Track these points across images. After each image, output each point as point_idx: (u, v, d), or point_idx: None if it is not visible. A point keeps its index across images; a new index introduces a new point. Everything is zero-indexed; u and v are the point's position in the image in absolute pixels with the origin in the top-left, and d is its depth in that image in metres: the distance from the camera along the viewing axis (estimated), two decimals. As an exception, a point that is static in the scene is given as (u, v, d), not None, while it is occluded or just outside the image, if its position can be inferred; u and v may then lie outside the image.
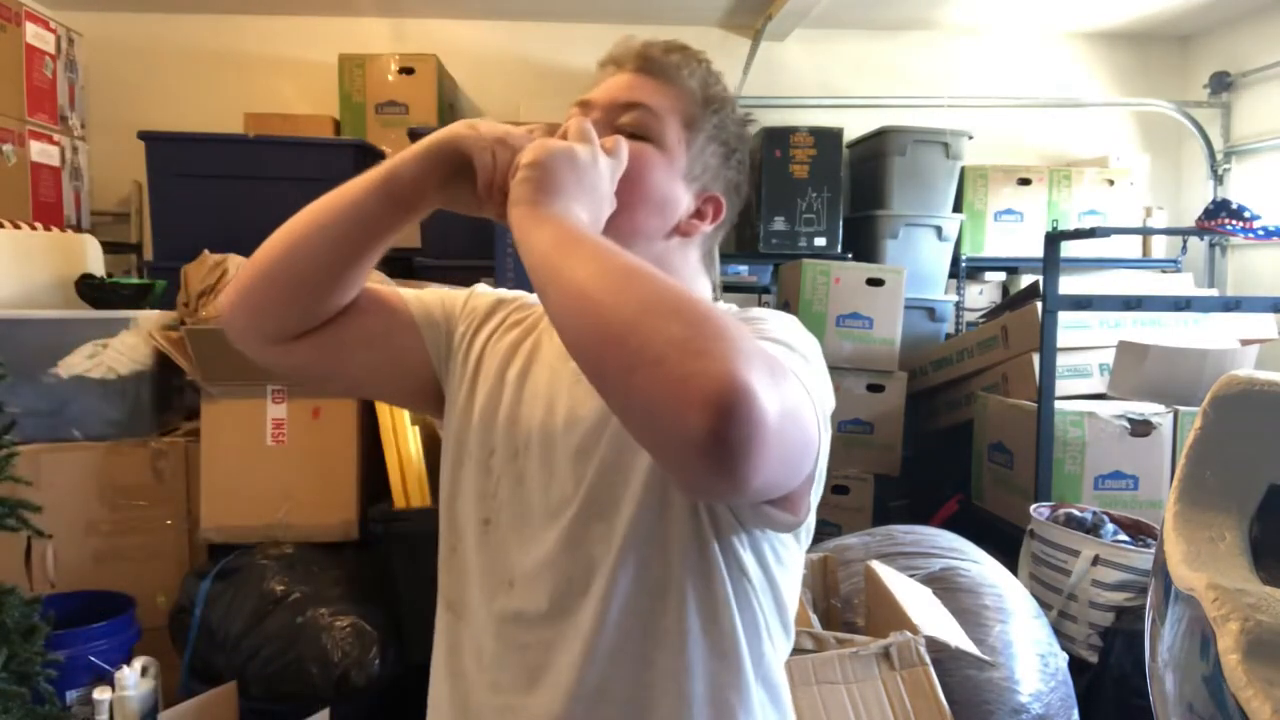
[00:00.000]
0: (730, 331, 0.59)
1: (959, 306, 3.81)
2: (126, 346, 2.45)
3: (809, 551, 2.26)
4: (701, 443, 0.56)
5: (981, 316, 3.68)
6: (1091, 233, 2.69)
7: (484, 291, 1.01)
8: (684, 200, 0.89)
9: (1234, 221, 2.84)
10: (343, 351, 0.92)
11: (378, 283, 0.96)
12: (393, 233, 0.87)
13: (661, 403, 0.57)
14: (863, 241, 3.66)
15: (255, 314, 0.89)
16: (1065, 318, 2.79)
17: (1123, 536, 2.37)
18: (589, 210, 0.76)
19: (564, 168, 0.75)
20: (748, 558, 0.80)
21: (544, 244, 0.69)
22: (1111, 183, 3.77)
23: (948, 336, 3.68)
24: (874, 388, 3.30)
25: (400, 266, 3.02)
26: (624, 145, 0.83)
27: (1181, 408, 2.74)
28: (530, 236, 0.71)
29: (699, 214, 0.90)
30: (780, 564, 0.83)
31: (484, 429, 0.91)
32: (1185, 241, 3.82)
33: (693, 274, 0.92)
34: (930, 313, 3.62)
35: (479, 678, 0.86)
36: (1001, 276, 3.98)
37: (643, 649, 0.80)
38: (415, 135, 3.18)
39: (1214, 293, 3.57)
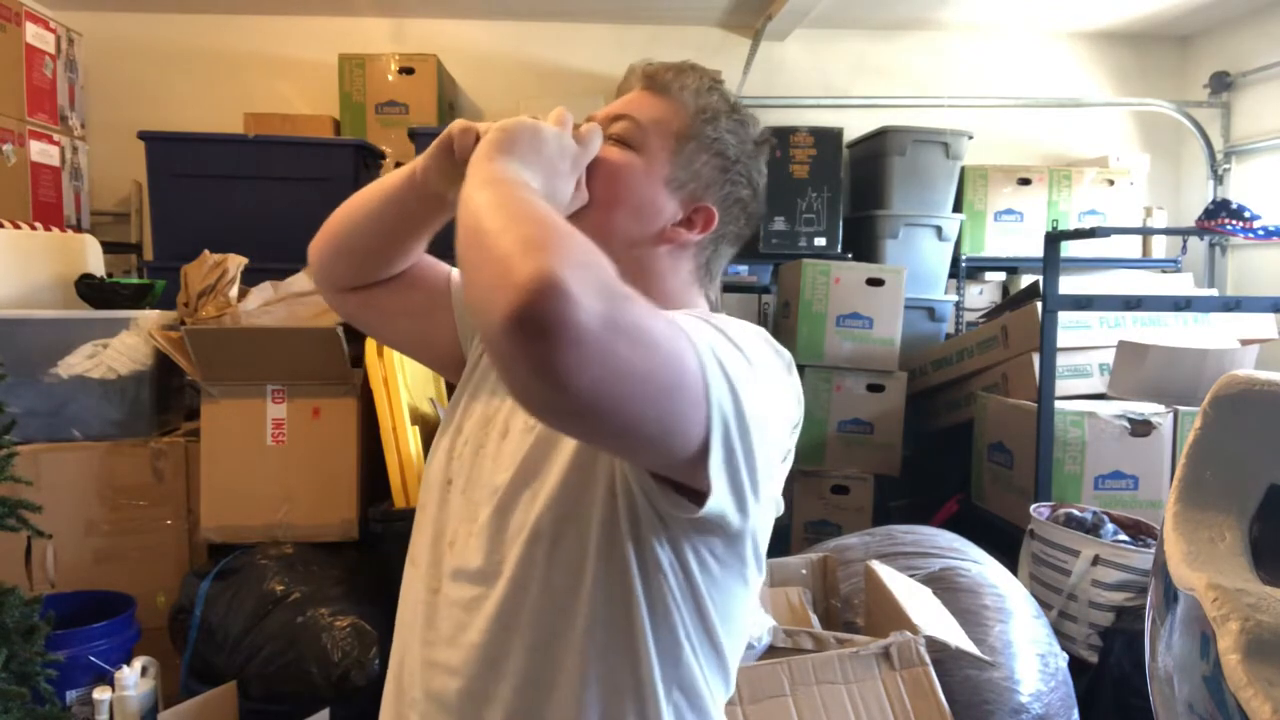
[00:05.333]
0: (576, 247, 0.62)
1: (959, 306, 3.82)
2: (126, 346, 2.45)
3: (809, 551, 2.27)
4: (504, 323, 0.59)
5: (981, 316, 3.68)
6: (1091, 233, 2.69)
7: None
8: (667, 207, 0.90)
9: (1234, 221, 2.84)
10: (385, 315, 1.06)
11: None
12: (428, 221, 0.98)
13: (490, 285, 0.62)
14: (863, 241, 3.67)
15: (320, 265, 1.04)
16: (1065, 318, 2.79)
17: (1123, 536, 2.37)
18: (540, 181, 0.80)
19: (525, 137, 0.81)
20: (664, 556, 0.80)
21: (473, 181, 0.74)
22: (1111, 183, 3.77)
23: (948, 336, 3.68)
24: (874, 388, 3.30)
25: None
26: (597, 134, 0.89)
27: (1181, 408, 2.74)
28: (469, 179, 0.75)
29: (688, 223, 0.91)
30: (708, 576, 0.82)
31: (471, 397, 0.98)
32: (1185, 241, 3.82)
33: (682, 284, 0.93)
34: (930, 313, 3.62)
35: (418, 632, 0.90)
36: (1001, 276, 3.98)
37: (552, 624, 0.81)
38: (415, 135, 3.19)
39: (1214, 293, 3.57)
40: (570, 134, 0.85)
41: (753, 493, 0.76)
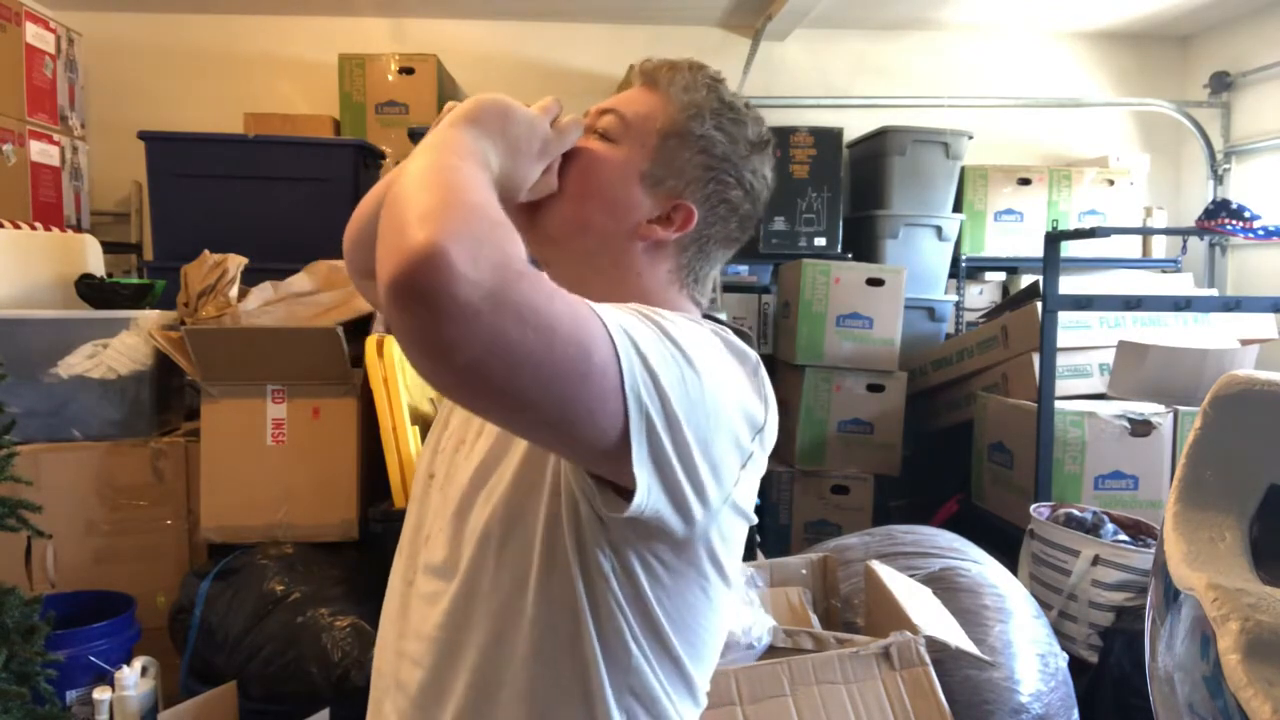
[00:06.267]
0: (475, 221, 0.62)
1: (959, 306, 3.82)
2: (126, 346, 2.45)
3: (809, 551, 2.27)
4: (386, 290, 0.59)
5: (981, 316, 3.69)
6: (1091, 233, 2.69)
7: None
8: (643, 203, 0.88)
9: (1234, 221, 2.84)
10: None
11: None
12: None
13: (383, 250, 0.62)
14: (863, 241, 3.67)
15: (346, 252, 1.05)
16: (1065, 318, 2.80)
17: (1123, 536, 2.37)
18: (499, 155, 0.78)
19: (494, 113, 0.80)
20: (607, 562, 0.78)
21: (422, 144, 0.74)
22: (1111, 183, 3.77)
23: (948, 336, 3.68)
24: (874, 388, 3.30)
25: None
26: (577, 127, 0.87)
27: (1181, 408, 2.74)
28: (422, 141, 0.75)
29: (665, 220, 0.88)
30: (657, 584, 0.80)
31: None
32: (1185, 241, 3.82)
33: (660, 284, 0.90)
34: (930, 313, 3.62)
35: (394, 621, 0.91)
36: (1001, 276, 3.99)
37: (499, 624, 0.81)
38: (415, 135, 3.19)
39: (1214, 293, 3.57)
40: (549, 121, 0.84)
41: (695, 496, 0.73)
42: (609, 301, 0.83)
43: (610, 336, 0.67)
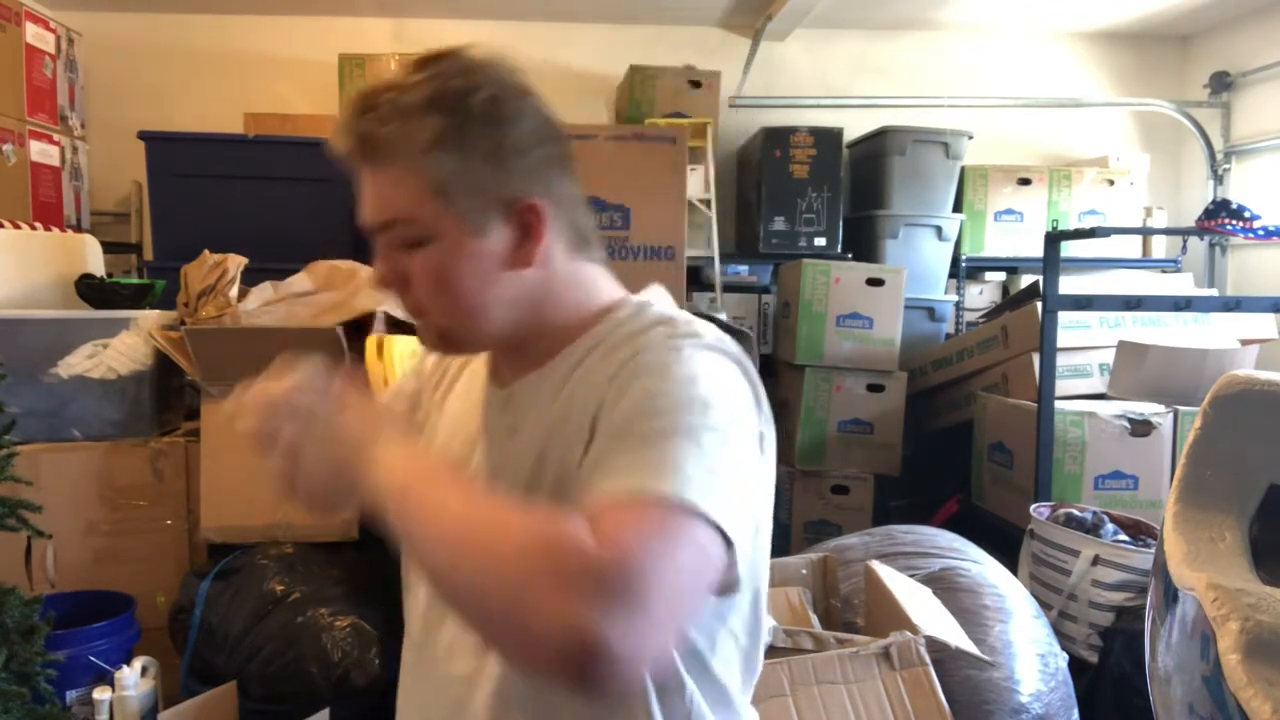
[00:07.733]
0: (569, 572, 0.61)
1: (959, 306, 3.82)
2: (126, 346, 2.45)
3: (809, 551, 2.27)
4: (569, 688, 0.61)
5: (981, 316, 3.68)
6: (1091, 233, 2.69)
7: None
8: (493, 244, 0.80)
9: (1234, 221, 2.84)
10: None
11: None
12: None
13: (512, 647, 0.65)
14: (863, 241, 3.67)
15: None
16: (1065, 318, 2.79)
17: (1123, 536, 2.37)
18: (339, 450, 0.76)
19: (315, 455, 0.76)
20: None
21: (407, 530, 0.71)
22: (1111, 183, 3.77)
23: (948, 336, 3.68)
24: (874, 388, 3.30)
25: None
26: (255, 412, 0.79)
27: (1181, 408, 2.74)
28: (406, 538, 0.72)
29: (524, 231, 0.81)
30: (705, 636, 0.83)
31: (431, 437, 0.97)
32: (1185, 241, 3.82)
33: (570, 275, 0.86)
34: (930, 313, 3.62)
35: (417, 652, 0.92)
36: (1001, 276, 3.98)
37: (549, 697, 0.80)
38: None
39: (1214, 293, 3.57)
40: (299, 399, 0.78)
41: (746, 530, 0.76)
42: (569, 328, 0.84)
43: (713, 524, 0.67)
